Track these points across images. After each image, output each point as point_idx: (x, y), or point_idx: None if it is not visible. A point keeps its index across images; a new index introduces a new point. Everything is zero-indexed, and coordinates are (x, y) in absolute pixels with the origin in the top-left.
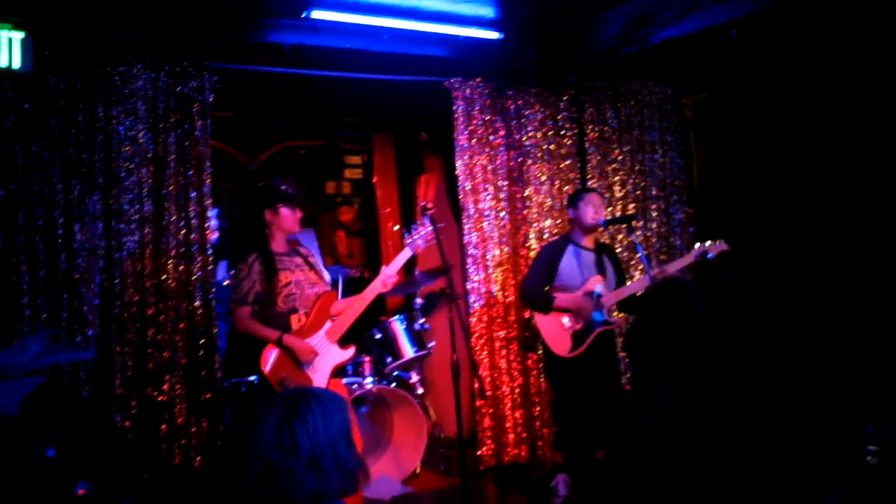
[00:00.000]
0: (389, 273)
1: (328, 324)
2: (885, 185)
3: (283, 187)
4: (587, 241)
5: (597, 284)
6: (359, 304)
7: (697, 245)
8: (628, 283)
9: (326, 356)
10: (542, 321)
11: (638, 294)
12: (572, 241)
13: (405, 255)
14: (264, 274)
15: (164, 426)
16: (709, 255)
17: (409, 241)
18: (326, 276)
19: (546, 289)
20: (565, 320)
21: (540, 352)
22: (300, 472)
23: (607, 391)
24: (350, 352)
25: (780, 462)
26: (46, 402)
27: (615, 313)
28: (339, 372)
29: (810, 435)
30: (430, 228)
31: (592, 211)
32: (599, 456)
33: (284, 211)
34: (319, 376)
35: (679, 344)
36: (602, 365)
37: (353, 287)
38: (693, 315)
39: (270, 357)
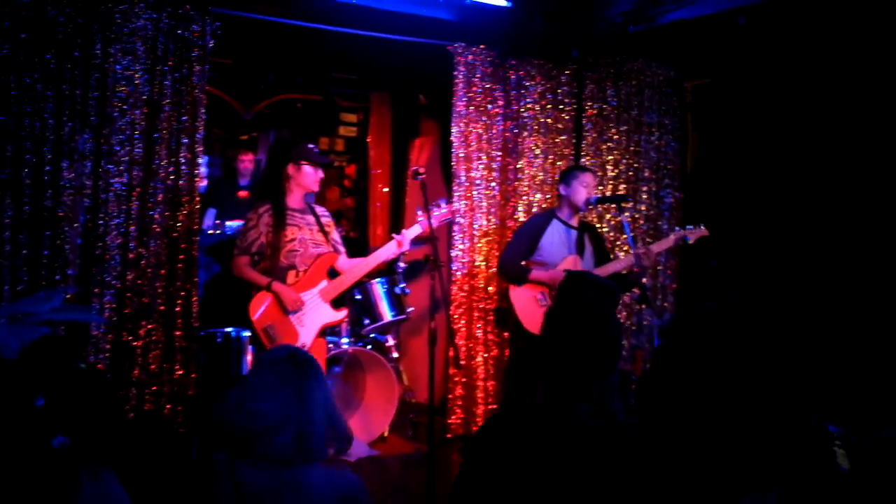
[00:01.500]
0: (405, 239)
1: (324, 283)
2: (884, 182)
3: (310, 145)
4: (571, 219)
5: (572, 265)
6: (365, 265)
7: (677, 229)
8: (610, 263)
9: (317, 313)
10: (516, 295)
11: (622, 272)
12: (557, 217)
13: (414, 231)
14: (272, 226)
15: (136, 371)
16: (687, 239)
17: (421, 218)
18: (337, 238)
19: (524, 262)
20: (539, 296)
21: (511, 325)
22: (319, 431)
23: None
24: (342, 314)
25: (723, 459)
26: (44, 352)
27: None
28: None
29: (758, 431)
30: (444, 210)
31: (586, 191)
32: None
33: (307, 169)
34: (306, 331)
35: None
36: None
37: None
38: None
39: (261, 306)
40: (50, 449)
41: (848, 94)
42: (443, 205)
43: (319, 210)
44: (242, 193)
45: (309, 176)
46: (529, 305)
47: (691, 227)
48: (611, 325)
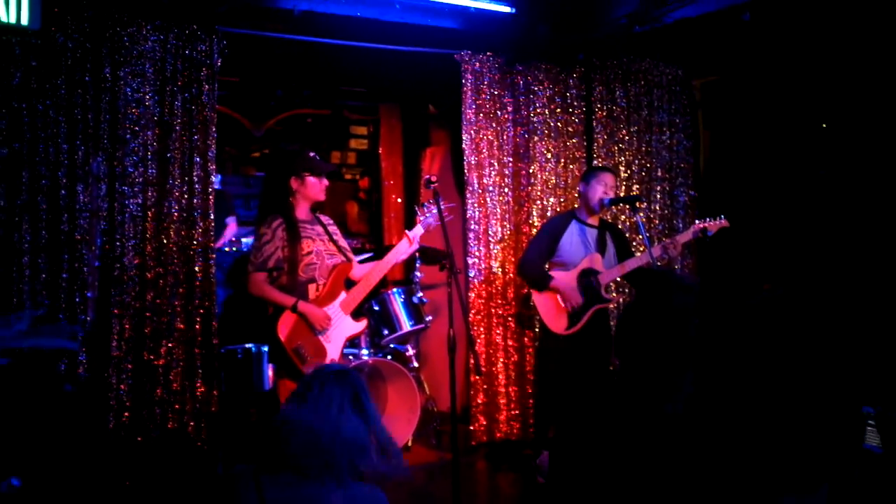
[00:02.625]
0: (414, 236)
1: (343, 295)
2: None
3: (312, 154)
4: (591, 219)
5: (594, 263)
6: (380, 268)
7: (697, 222)
8: (632, 259)
9: (340, 327)
10: (539, 297)
11: (646, 267)
12: (576, 217)
13: (419, 230)
14: (288, 241)
15: (159, 390)
16: (709, 232)
17: (421, 218)
18: (345, 244)
19: (546, 264)
20: (565, 297)
21: (536, 329)
22: (373, 452)
23: (598, 369)
24: (363, 324)
25: (771, 454)
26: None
27: (612, 292)
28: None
29: (806, 426)
30: (440, 207)
31: (602, 191)
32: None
33: (311, 180)
34: (333, 346)
35: (665, 334)
36: (596, 342)
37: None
38: (672, 308)
39: (288, 325)
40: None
41: (856, 83)
42: (437, 203)
43: (324, 219)
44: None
45: (314, 186)
46: (553, 307)
47: (710, 219)
48: (688, 323)
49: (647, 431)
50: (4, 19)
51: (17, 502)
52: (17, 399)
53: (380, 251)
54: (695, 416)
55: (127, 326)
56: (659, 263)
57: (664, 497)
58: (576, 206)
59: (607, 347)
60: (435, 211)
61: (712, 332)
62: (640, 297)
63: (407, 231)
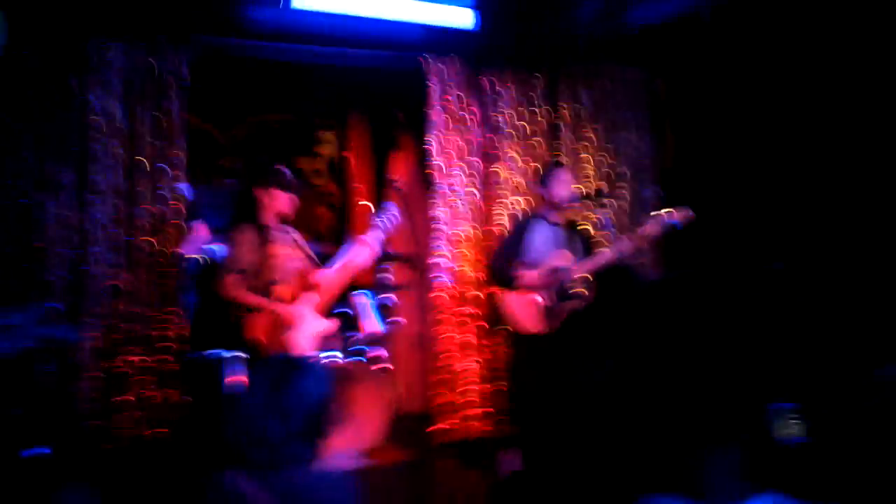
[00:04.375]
0: (372, 241)
1: (311, 295)
2: (859, 171)
3: (282, 168)
4: (557, 217)
5: (563, 259)
6: (342, 273)
7: (661, 212)
8: (594, 256)
9: (310, 326)
10: (512, 298)
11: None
12: (542, 217)
13: (376, 234)
14: (256, 245)
15: (129, 397)
16: (675, 223)
17: (378, 222)
18: (310, 252)
19: (515, 264)
20: (536, 296)
21: (507, 328)
22: (292, 439)
23: (573, 365)
24: (333, 323)
25: (687, 413)
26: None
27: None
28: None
29: (715, 389)
30: (396, 212)
31: (563, 188)
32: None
33: (278, 193)
34: (305, 345)
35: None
36: (568, 342)
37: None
38: (633, 297)
39: (260, 325)
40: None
41: (820, 80)
42: (392, 208)
43: (290, 229)
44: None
45: (282, 200)
46: (523, 304)
47: (672, 209)
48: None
49: (582, 398)
50: None
51: None
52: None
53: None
54: (615, 384)
55: (97, 335)
56: (627, 257)
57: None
58: (539, 206)
59: (579, 347)
60: (392, 215)
61: (629, 308)
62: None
63: (364, 237)
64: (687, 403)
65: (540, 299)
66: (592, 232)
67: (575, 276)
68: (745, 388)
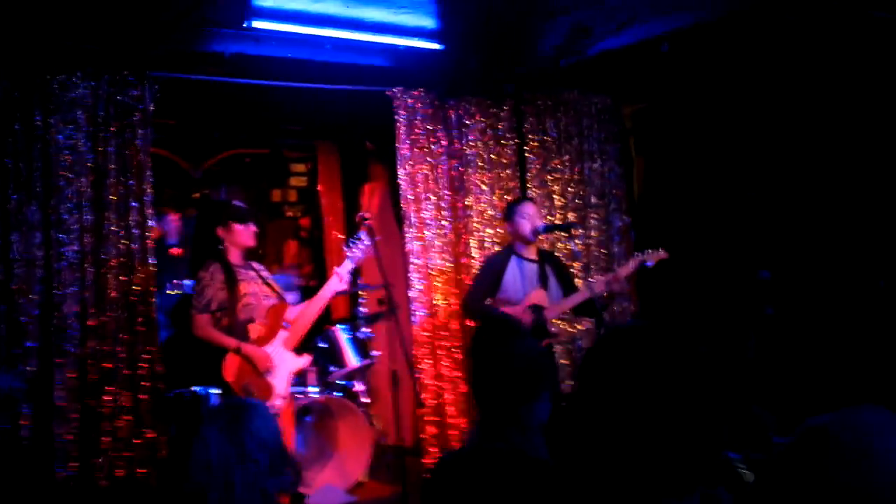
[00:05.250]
0: (342, 272)
1: (283, 333)
2: (828, 190)
3: (236, 203)
4: (529, 252)
5: (539, 298)
6: (315, 305)
7: (637, 254)
8: (569, 297)
9: (284, 364)
10: None
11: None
12: (515, 253)
13: (347, 265)
14: (226, 283)
15: (106, 438)
16: (648, 263)
17: (349, 253)
18: (279, 289)
19: (489, 301)
20: None
21: None
22: (261, 477)
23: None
24: (305, 359)
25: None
26: None
27: (558, 324)
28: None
29: (675, 437)
30: (368, 241)
31: (528, 223)
32: None
33: (236, 227)
34: (279, 383)
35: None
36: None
37: (300, 295)
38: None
39: (234, 366)
40: None
41: (782, 102)
42: (363, 235)
43: (255, 265)
44: (174, 251)
45: (241, 233)
46: None
47: (650, 250)
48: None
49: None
50: None
51: None
52: None
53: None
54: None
55: (70, 375)
56: (603, 296)
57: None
58: (510, 241)
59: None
60: (363, 245)
61: (592, 358)
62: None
63: (336, 268)
64: (643, 450)
65: None
66: (565, 265)
67: (551, 316)
68: (701, 436)
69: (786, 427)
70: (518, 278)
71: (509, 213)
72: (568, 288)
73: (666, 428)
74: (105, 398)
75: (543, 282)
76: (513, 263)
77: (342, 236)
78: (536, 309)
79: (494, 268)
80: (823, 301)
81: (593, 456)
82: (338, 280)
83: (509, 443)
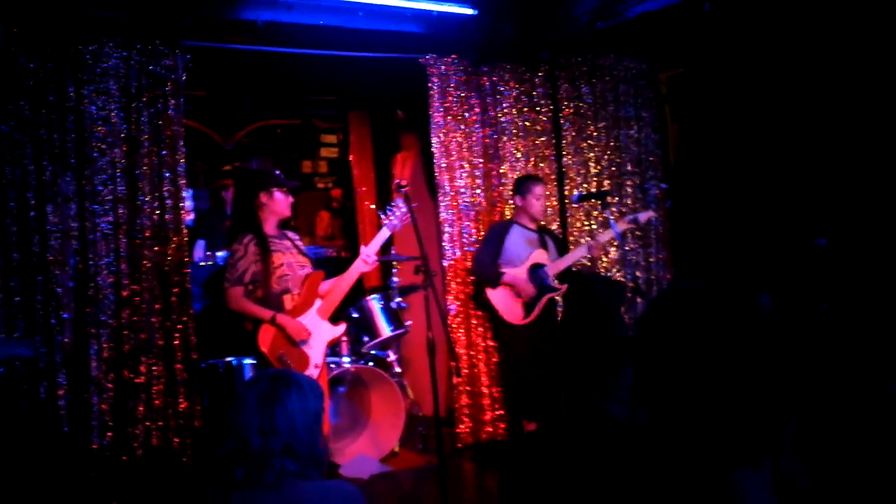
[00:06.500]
0: (369, 252)
1: (318, 302)
2: (862, 161)
3: (277, 172)
4: (530, 223)
5: (541, 257)
6: (343, 283)
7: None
8: (562, 258)
9: (319, 333)
10: (494, 294)
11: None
12: (516, 223)
13: (383, 234)
14: (260, 255)
15: (141, 408)
16: (638, 220)
17: (386, 221)
18: (310, 258)
19: (495, 264)
20: (518, 292)
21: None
22: (275, 455)
23: (550, 353)
24: (341, 328)
25: (719, 433)
26: None
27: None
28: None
29: (745, 405)
30: (405, 209)
31: (540, 204)
32: (531, 428)
33: (279, 195)
34: (315, 353)
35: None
36: (547, 328)
37: (332, 267)
38: (597, 304)
39: (269, 337)
40: None
41: (822, 67)
42: (400, 203)
43: (291, 234)
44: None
45: (281, 202)
46: (507, 299)
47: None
48: (616, 319)
49: (595, 434)
50: None
51: None
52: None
53: (355, 257)
54: (643, 418)
55: (105, 345)
56: (596, 254)
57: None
58: (514, 215)
59: (555, 332)
60: (399, 212)
61: (647, 326)
62: (570, 298)
63: (362, 248)
64: (716, 420)
65: (522, 292)
66: (561, 238)
67: (553, 272)
68: (776, 403)
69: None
70: (520, 243)
71: (522, 190)
72: (563, 253)
73: (740, 393)
74: (140, 368)
75: (543, 246)
76: (514, 230)
77: (374, 206)
78: (537, 266)
79: (498, 234)
80: (879, 270)
81: (665, 422)
82: (362, 264)
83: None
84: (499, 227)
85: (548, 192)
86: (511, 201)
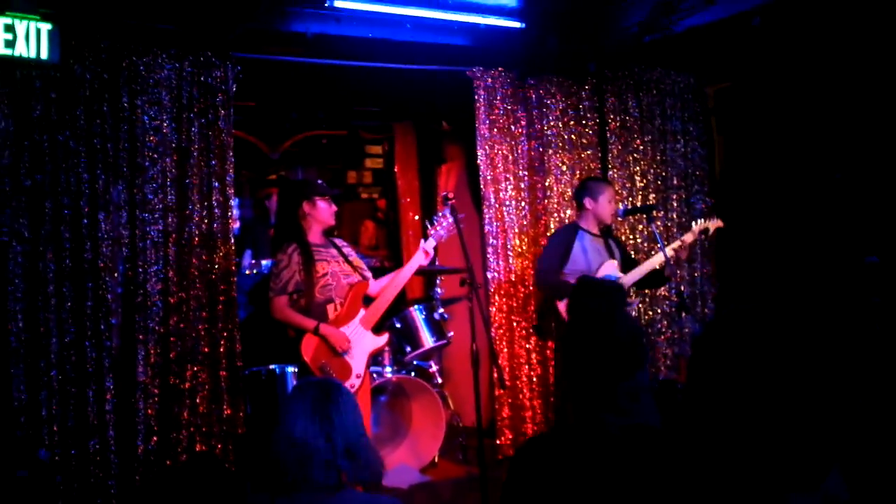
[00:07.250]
0: (427, 248)
1: (362, 312)
2: None
3: (319, 181)
4: (595, 228)
5: (611, 269)
6: (401, 277)
7: (694, 223)
8: (646, 262)
9: (362, 343)
10: (564, 306)
11: (657, 268)
12: (581, 228)
13: (431, 243)
14: (303, 265)
15: (185, 414)
16: (708, 229)
17: (432, 231)
18: (360, 264)
19: (561, 274)
20: None
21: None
22: (339, 456)
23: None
24: (384, 338)
25: (773, 455)
26: None
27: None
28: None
29: (802, 427)
30: (451, 220)
31: (612, 207)
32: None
33: (322, 203)
34: (357, 363)
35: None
36: None
37: (376, 276)
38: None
39: (311, 346)
40: None
41: (871, 82)
42: (447, 214)
43: (338, 241)
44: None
45: (324, 210)
46: None
47: (702, 219)
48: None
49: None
50: (25, 54)
51: None
52: None
53: (399, 267)
54: (689, 427)
55: (152, 351)
56: (672, 263)
57: None
58: (577, 217)
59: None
60: (446, 223)
61: (707, 342)
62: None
63: (422, 242)
64: (770, 442)
65: None
66: (642, 246)
67: (628, 284)
68: (832, 430)
69: None
70: (587, 251)
71: (594, 192)
72: (627, 261)
73: (801, 417)
74: (186, 374)
75: (611, 254)
76: (580, 238)
77: (418, 217)
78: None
79: (564, 242)
80: None
81: (717, 445)
82: (423, 255)
83: (621, 414)
84: (564, 234)
85: None
86: (555, 214)
